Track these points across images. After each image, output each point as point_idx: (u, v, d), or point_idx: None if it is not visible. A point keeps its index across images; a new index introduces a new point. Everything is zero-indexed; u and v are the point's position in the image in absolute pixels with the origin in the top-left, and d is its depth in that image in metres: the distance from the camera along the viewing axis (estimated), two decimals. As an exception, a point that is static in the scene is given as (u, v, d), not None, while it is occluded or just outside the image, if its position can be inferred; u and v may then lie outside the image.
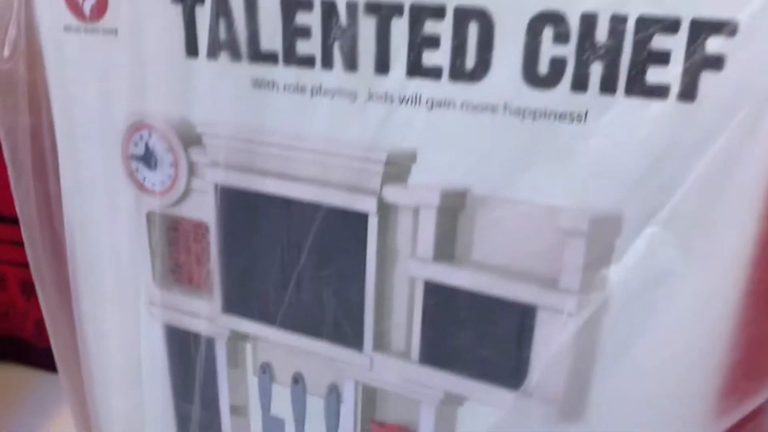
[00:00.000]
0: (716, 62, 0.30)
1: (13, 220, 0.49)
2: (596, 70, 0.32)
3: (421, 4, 0.34)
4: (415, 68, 0.36)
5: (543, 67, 0.33)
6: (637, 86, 0.32)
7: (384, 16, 0.35)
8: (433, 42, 0.35)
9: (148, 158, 0.44)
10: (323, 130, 0.39)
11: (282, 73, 0.38)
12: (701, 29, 0.30)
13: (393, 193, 0.39)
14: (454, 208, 0.38)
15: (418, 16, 0.35)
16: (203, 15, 0.39)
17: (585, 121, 0.33)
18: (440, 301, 0.39)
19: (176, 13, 0.39)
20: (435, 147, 0.37)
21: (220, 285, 0.45)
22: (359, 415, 0.45)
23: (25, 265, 0.50)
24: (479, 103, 0.35)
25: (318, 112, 0.38)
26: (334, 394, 0.45)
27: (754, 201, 0.32)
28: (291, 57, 0.38)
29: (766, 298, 0.33)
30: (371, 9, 0.35)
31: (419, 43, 0.35)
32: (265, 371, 0.47)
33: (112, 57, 0.42)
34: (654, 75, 0.32)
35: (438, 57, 0.35)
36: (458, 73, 0.35)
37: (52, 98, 0.46)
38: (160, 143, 0.43)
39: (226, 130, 0.41)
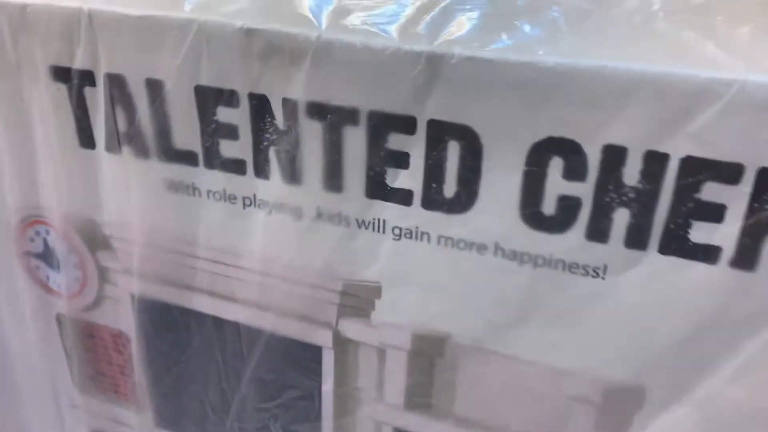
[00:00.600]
0: (789, 224, 0.22)
1: None
2: (621, 218, 0.24)
3: (383, 111, 0.25)
4: (377, 189, 0.27)
5: (548, 207, 0.25)
6: (676, 244, 0.23)
7: (333, 122, 0.26)
8: (400, 160, 0.26)
9: (48, 257, 0.35)
10: (261, 248, 0.30)
11: (205, 177, 0.29)
12: (773, 181, 0.21)
13: (352, 329, 0.30)
14: (429, 355, 0.29)
15: (378, 126, 0.25)
16: (95, 99, 0.29)
17: (604, 277, 0.25)
18: (413, 450, 0.32)
19: (61, 94, 0.30)
20: (404, 282, 0.28)
21: (151, 400, 0.38)
22: None
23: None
24: (462, 239, 0.26)
25: (254, 226, 0.30)
26: None
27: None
28: (214, 159, 0.29)
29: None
30: (316, 112, 0.26)
31: (381, 158, 0.26)
32: (211, 490, 0.40)
33: (-10, 139, 0.32)
34: (700, 233, 0.23)
35: (407, 178, 0.26)
36: (434, 200, 0.26)
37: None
38: (61, 242, 0.34)
39: (139, 235, 0.32)
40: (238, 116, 0.27)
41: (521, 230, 0.25)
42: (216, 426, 0.37)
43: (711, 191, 0.22)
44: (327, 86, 0.25)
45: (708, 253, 0.23)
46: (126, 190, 0.31)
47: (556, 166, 0.24)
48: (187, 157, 0.29)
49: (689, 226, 0.23)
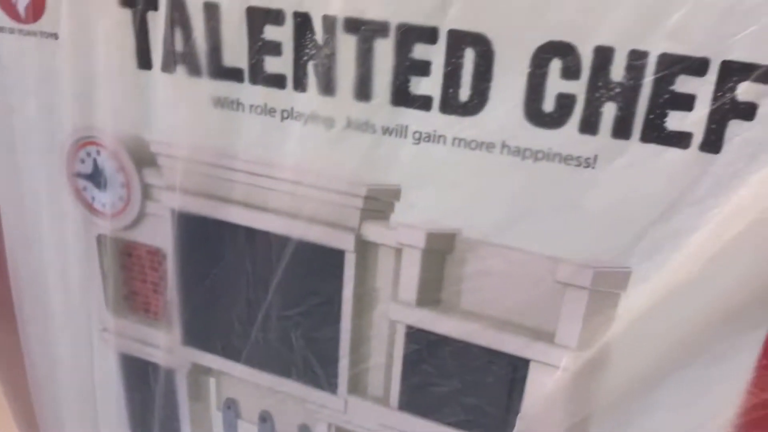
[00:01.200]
0: (747, 111, 0.26)
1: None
2: (609, 111, 0.28)
3: (409, 24, 0.30)
4: (401, 96, 0.31)
5: (548, 104, 0.29)
6: (655, 132, 0.28)
7: (366, 35, 0.30)
8: (423, 68, 0.30)
9: (96, 177, 0.39)
10: (295, 158, 0.34)
11: (248, 92, 0.34)
12: (733, 73, 0.26)
13: (373, 231, 0.35)
14: (441, 251, 0.34)
15: (405, 37, 0.30)
16: (156, 23, 0.34)
17: (594, 166, 0.29)
18: (424, 347, 0.36)
19: (126, 19, 0.34)
20: (421, 184, 0.33)
21: (180, 316, 0.41)
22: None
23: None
24: (473, 139, 0.31)
25: (289, 138, 0.34)
26: (305, 434, 0.42)
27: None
28: (258, 75, 0.33)
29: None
30: (351, 27, 0.30)
31: (406, 67, 0.31)
32: (230, 407, 0.43)
33: (53, 63, 0.37)
34: (675, 121, 0.28)
35: (428, 85, 0.31)
36: (451, 104, 0.30)
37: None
38: (110, 162, 0.38)
39: (184, 151, 0.36)
40: (283, 34, 0.32)
41: (525, 128, 0.30)
42: (240, 339, 0.40)
43: (683, 83, 0.27)
44: (361, 2, 0.30)
45: (681, 139, 0.28)
46: (176, 108, 0.35)
47: (555, 67, 0.28)
48: (234, 74, 0.33)
49: (666, 115, 0.28)
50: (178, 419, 0.45)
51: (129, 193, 0.39)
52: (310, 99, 0.33)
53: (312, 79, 0.32)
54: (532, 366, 0.34)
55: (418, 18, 0.29)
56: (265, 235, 0.36)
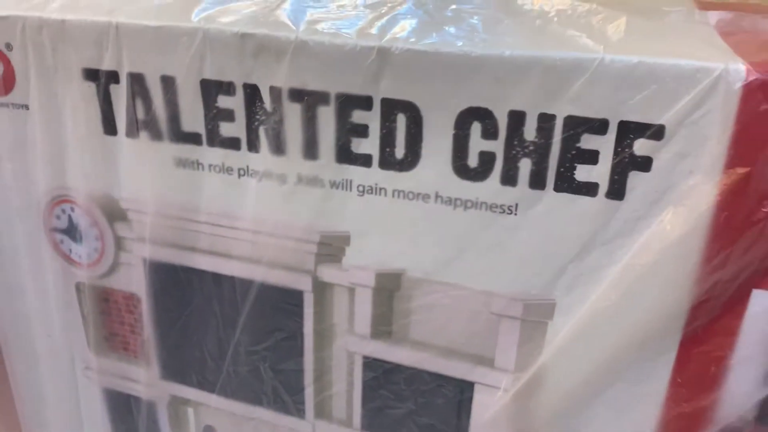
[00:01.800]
0: (644, 163, 0.30)
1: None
2: (525, 166, 0.32)
3: (347, 93, 0.33)
4: (345, 155, 0.35)
5: (473, 161, 0.33)
6: (566, 183, 0.32)
7: (309, 103, 0.34)
8: (362, 131, 0.34)
9: (72, 231, 0.42)
10: (253, 211, 0.38)
11: (206, 153, 0.37)
12: (629, 131, 0.30)
13: (328, 273, 0.38)
14: (389, 289, 0.37)
15: (344, 105, 0.33)
16: (119, 94, 0.37)
17: (516, 213, 0.33)
18: (380, 374, 0.39)
19: (90, 91, 0.37)
20: (368, 230, 0.36)
21: (157, 354, 0.44)
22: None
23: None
24: (410, 191, 0.34)
25: (247, 193, 0.37)
26: (279, 455, 0.45)
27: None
28: (215, 138, 0.36)
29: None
30: (296, 96, 0.34)
31: (347, 130, 0.34)
32: (209, 434, 0.46)
33: (25, 131, 0.40)
34: (583, 173, 0.31)
35: (367, 145, 0.34)
36: (388, 161, 0.34)
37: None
38: (84, 218, 0.41)
39: (152, 207, 0.39)
40: (235, 103, 0.35)
41: (454, 181, 0.33)
42: (213, 372, 0.43)
43: (587, 140, 0.31)
44: (304, 75, 0.33)
45: (589, 189, 0.31)
46: (142, 169, 0.38)
47: (476, 128, 0.32)
48: (193, 138, 0.37)
49: (574, 168, 0.31)
50: (161, 447, 0.48)
51: (103, 245, 0.42)
52: (264, 158, 0.36)
53: (264, 141, 0.36)
54: (476, 388, 0.38)
55: (354, 89, 0.33)
56: (230, 279, 0.40)
